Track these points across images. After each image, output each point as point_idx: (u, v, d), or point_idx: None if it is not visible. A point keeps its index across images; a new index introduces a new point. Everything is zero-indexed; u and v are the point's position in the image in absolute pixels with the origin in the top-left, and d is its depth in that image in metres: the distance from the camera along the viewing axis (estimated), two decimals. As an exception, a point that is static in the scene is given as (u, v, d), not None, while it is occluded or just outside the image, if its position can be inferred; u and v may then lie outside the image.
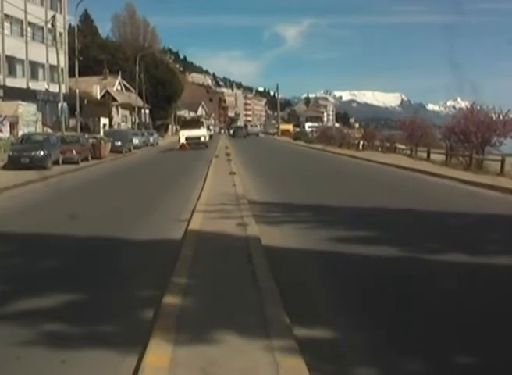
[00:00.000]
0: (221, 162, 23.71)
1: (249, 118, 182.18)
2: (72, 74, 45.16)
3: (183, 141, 38.80)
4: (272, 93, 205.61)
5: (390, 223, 9.42)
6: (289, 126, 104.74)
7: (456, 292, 5.60)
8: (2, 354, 4.14)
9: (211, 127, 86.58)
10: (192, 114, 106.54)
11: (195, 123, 43.20)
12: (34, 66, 45.81)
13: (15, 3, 38.88)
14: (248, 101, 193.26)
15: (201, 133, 40.63)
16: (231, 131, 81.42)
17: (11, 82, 41.44)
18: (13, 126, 34.86)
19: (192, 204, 11.13)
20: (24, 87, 43.16)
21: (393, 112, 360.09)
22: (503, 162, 17.97)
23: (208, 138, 42.77)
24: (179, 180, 17.60)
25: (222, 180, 15.53)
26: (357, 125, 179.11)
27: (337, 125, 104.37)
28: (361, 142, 39.93)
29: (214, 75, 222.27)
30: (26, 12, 42.75)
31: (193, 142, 38.85)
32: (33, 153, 22.37)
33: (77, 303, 5.31)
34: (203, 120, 47.44)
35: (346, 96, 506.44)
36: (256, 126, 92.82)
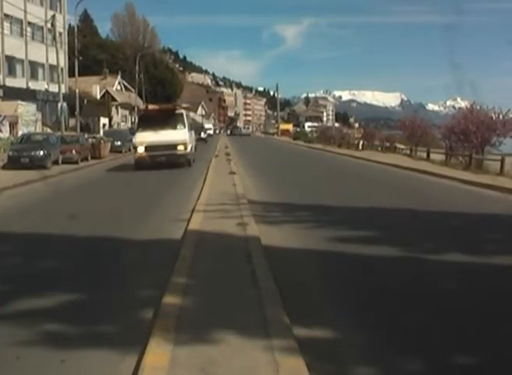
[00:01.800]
0: (221, 161, 23.72)
1: (249, 118, 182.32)
2: (71, 74, 45.23)
3: (140, 151, 21.14)
4: (271, 93, 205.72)
5: (390, 223, 9.41)
6: (289, 126, 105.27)
7: (456, 292, 5.59)
8: (2, 354, 4.14)
9: (208, 126, 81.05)
10: (192, 114, 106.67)
11: (167, 118, 21.87)
12: (34, 66, 45.82)
13: (15, 3, 38.88)
14: (248, 101, 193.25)
15: (178, 137, 21.36)
16: (228, 131, 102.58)
17: (11, 82, 41.45)
18: (13, 125, 34.87)
19: (192, 203, 11.13)
20: (24, 86, 43.16)
21: (393, 112, 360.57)
22: (502, 161, 17.98)
23: (193, 147, 23.53)
24: (179, 180, 17.58)
25: (222, 180, 15.53)
26: (356, 125, 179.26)
27: (337, 125, 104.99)
28: (361, 142, 39.99)
29: (213, 75, 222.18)
30: (25, 11, 42.76)
31: (162, 155, 20.86)
32: (32, 153, 22.40)
33: (77, 303, 5.31)
34: (182, 112, 23.55)
35: (345, 96, 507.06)
36: (248, 128, 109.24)
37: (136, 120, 24.56)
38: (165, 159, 20.81)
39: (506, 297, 5.41)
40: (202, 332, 4.10)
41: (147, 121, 21.95)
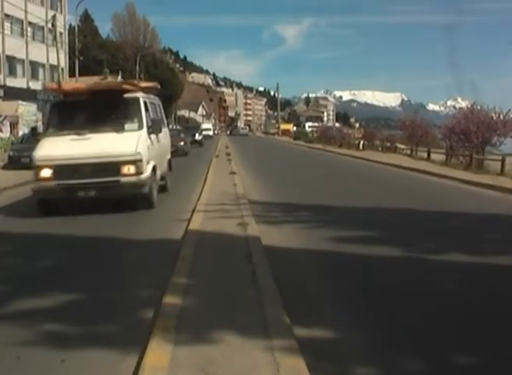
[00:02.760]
0: (221, 161, 23.71)
1: (249, 118, 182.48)
2: (72, 74, 45.31)
3: (44, 175, 10.28)
4: (272, 93, 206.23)
5: (390, 223, 9.41)
6: (290, 126, 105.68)
7: (456, 292, 5.60)
8: (2, 354, 4.14)
9: (207, 126, 73.83)
10: (192, 114, 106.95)
11: (105, 110, 11.22)
12: (35, 66, 45.90)
13: (15, 3, 38.95)
14: (248, 101, 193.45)
15: (123, 148, 10.38)
16: (228, 131, 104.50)
17: (11, 82, 41.53)
18: (13, 126, 34.96)
19: (192, 204, 11.13)
20: (24, 86, 43.24)
21: (393, 112, 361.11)
22: (503, 161, 17.99)
23: (166, 164, 13.30)
24: (179, 180, 17.57)
25: (223, 180, 15.53)
26: (357, 125, 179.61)
27: (337, 125, 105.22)
28: (361, 142, 40.01)
29: (214, 75, 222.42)
30: (26, 11, 42.84)
31: (89, 185, 10.23)
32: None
33: (77, 303, 5.31)
34: (138, 96, 11.46)
35: (346, 96, 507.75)
36: (246, 128, 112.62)
37: (47, 114, 12.16)
38: (95, 194, 10.32)
39: (506, 297, 5.41)
40: (202, 332, 4.11)
41: (66, 115, 11.51)
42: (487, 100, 26.39)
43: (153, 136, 11.47)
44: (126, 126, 11.11)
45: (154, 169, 11.07)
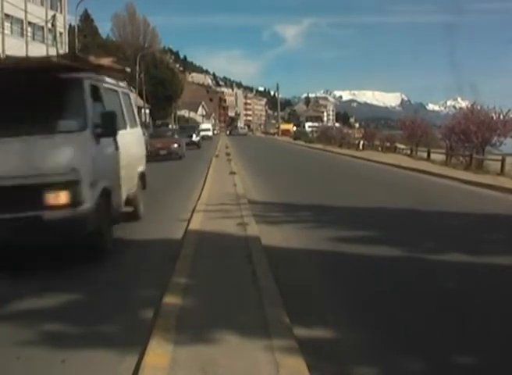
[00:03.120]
0: (221, 161, 23.72)
1: (249, 118, 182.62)
2: (72, 74, 45.25)
3: None
4: (272, 93, 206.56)
5: (390, 223, 9.42)
6: (290, 126, 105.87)
7: (456, 292, 5.60)
8: (2, 354, 4.15)
9: (206, 126, 69.66)
10: (192, 114, 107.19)
11: (31, 101, 6.70)
12: (34, 66, 45.90)
13: (15, 3, 38.96)
14: (248, 101, 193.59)
15: (51, 161, 6.13)
16: (227, 131, 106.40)
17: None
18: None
19: (192, 204, 11.14)
20: (24, 86, 43.16)
21: (393, 112, 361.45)
22: (503, 161, 17.98)
23: (138, 181, 9.41)
24: (180, 180, 17.59)
25: (223, 180, 15.53)
26: (357, 125, 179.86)
27: (337, 125, 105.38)
28: (361, 142, 40.04)
29: (214, 75, 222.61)
30: (26, 11, 42.85)
31: None
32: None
33: (77, 303, 5.31)
34: (81, 77, 6.96)
35: (346, 96, 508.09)
36: (244, 128, 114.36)
37: None
38: (2, 240, 6.12)
39: (506, 297, 5.41)
40: (202, 332, 4.11)
41: None
42: (487, 100, 26.46)
43: (105, 140, 7.11)
44: (60, 124, 6.78)
45: (105, 193, 6.91)
